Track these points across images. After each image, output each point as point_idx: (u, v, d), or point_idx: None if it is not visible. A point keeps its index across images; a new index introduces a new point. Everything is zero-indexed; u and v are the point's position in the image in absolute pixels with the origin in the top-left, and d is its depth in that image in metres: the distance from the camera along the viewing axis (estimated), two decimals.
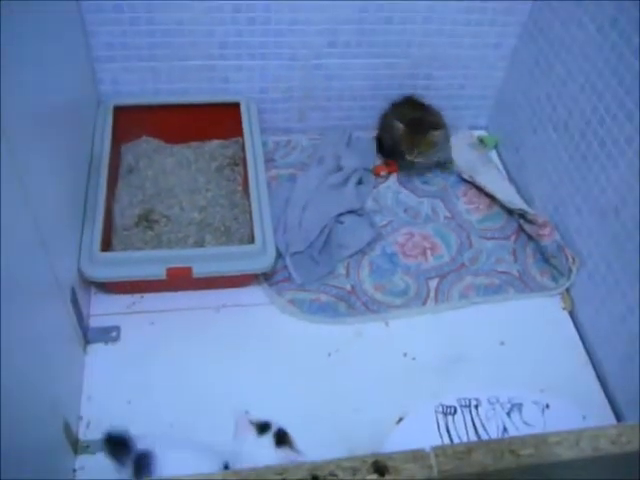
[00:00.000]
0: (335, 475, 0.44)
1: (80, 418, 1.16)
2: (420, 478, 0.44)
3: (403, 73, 1.64)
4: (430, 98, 1.70)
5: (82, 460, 1.12)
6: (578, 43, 1.36)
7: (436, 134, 1.56)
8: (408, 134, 1.56)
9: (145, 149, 1.59)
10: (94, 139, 1.46)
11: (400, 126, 1.56)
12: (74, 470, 1.10)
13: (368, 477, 0.44)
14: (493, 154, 1.74)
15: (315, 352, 1.30)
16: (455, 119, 1.75)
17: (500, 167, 1.71)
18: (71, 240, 1.25)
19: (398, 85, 1.66)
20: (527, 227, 1.52)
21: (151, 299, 1.35)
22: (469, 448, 0.45)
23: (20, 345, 0.88)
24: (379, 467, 0.44)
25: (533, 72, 1.55)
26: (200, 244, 1.41)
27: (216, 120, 1.60)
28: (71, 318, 1.17)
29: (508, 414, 1.20)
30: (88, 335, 1.27)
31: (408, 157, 1.58)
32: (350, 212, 1.54)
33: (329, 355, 1.30)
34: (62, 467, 1.08)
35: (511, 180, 1.67)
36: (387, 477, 0.44)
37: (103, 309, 1.32)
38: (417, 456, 0.45)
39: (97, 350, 1.26)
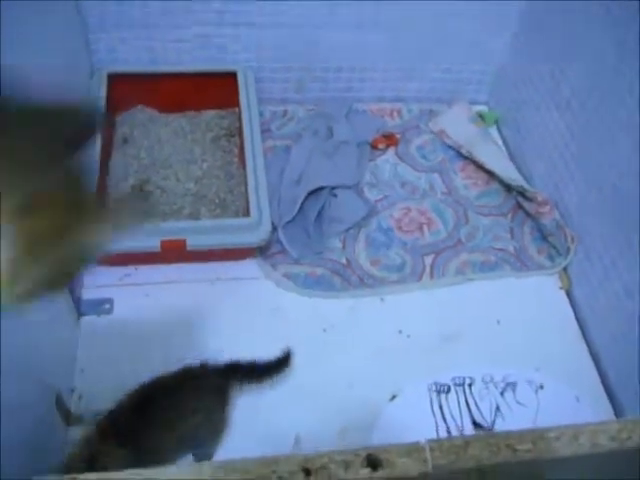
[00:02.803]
0: (327, 468, 0.43)
1: (72, 390, 1.16)
2: (414, 473, 0.43)
3: (405, 45, 1.61)
4: (430, 71, 1.68)
5: (74, 432, 1.11)
6: (583, 16, 1.33)
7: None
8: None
9: (140, 118, 1.57)
10: None
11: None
12: (65, 442, 1.10)
13: (361, 471, 0.43)
14: (493, 130, 1.72)
15: (310, 327, 1.29)
16: (455, 93, 1.73)
17: (500, 144, 1.68)
18: None
19: (399, 57, 1.63)
20: (526, 205, 1.50)
21: (145, 271, 1.34)
22: (465, 442, 0.44)
23: (11, 316, 0.86)
24: (372, 461, 0.43)
25: (538, 47, 1.51)
26: (195, 216, 1.39)
27: (212, 90, 1.57)
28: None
29: (502, 393, 1.19)
30: (81, 307, 1.26)
31: None
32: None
33: (324, 330, 1.29)
34: (53, 439, 1.08)
35: (511, 157, 1.65)
36: (380, 471, 0.43)
37: (96, 281, 1.31)
38: (412, 450, 0.44)
39: (90, 323, 1.25)
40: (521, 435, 0.44)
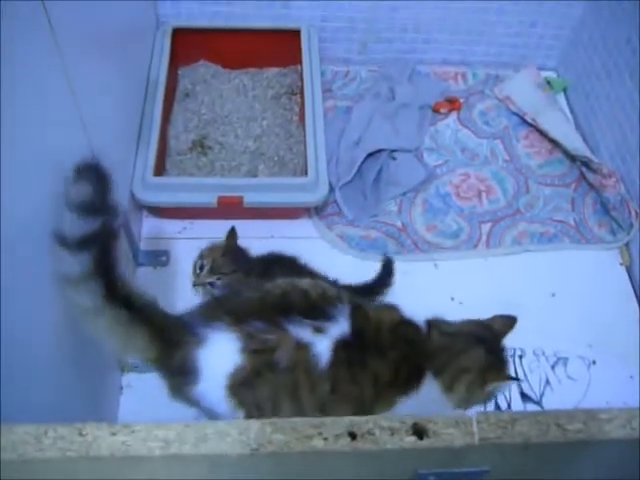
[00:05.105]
0: (373, 434, 0.43)
1: None
2: (460, 444, 0.43)
3: (473, 7, 1.56)
4: (499, 34, 1.63)
5: (129, 378, 1.15)
6: None
7: None
8: None
9: (203, 74, 1.57)
10: (152, 61, 1.44)
11: None
12: (121, 387, 1.14)
13: (406, 439, 0.43)
14: (561, 98, 1.66)
15: None
16: (524, 58, 1.68)
17: (567, 112, 1.63)
18: (125, 162, 1.25)
19: (466, 19, 1.59)
20: (590, 176, 1.46)
21: (201, 226, 1.35)
22: (513, 418, 0.44)
23: None
24: (418, 430, 0.43)
25: (615, 12, 1.45)
26: (253, 173, 1.40)
27: (275, 47, 1.56)
28: (122, 240, 1.18)
29: (552, 367, 1.18)
30: (138, 258, 1.28)
31: None
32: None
33: None
34: (110, 384, 1.12)
35: (578, 126, 1.59)
36: (425, 440, 0.43)
37: (154, 233, 1.33)
38: (459, 421, 0.43)
39: (146, 273, 1.28)
40: (572, 414, 0.43)
